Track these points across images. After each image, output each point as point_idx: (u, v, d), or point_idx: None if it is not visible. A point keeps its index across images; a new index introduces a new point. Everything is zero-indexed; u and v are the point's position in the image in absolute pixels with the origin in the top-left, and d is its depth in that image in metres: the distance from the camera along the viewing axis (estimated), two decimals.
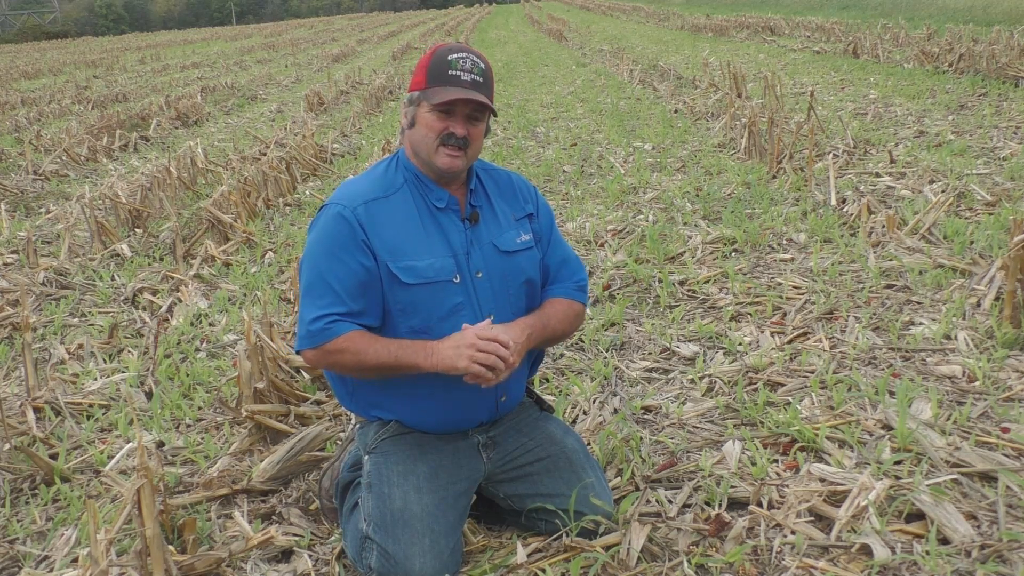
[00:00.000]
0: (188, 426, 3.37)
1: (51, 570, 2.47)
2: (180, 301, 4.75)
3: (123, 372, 3.86)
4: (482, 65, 2.23)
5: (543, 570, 2.26)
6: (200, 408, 3.50)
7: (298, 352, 2.26)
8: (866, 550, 2.22)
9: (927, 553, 2.16)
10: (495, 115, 2.30)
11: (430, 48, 2.32)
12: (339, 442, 2.88)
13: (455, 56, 2.21)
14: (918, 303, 3.86)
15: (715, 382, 3.33)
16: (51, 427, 3.38)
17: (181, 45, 39.36)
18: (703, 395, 3.25)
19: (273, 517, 2.66)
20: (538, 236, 2.40)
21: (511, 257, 2.32)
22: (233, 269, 5.29)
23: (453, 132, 2.20)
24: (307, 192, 7.17)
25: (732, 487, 2.56)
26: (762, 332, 3.74)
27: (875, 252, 4.49)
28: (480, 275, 2.27)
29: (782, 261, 4.61)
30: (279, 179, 7.03)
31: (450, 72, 2.19)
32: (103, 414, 3.47)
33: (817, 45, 15.53)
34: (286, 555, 2.46)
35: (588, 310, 4.14)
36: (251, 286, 4.94)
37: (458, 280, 2.23)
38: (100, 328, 4.47)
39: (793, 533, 2.33)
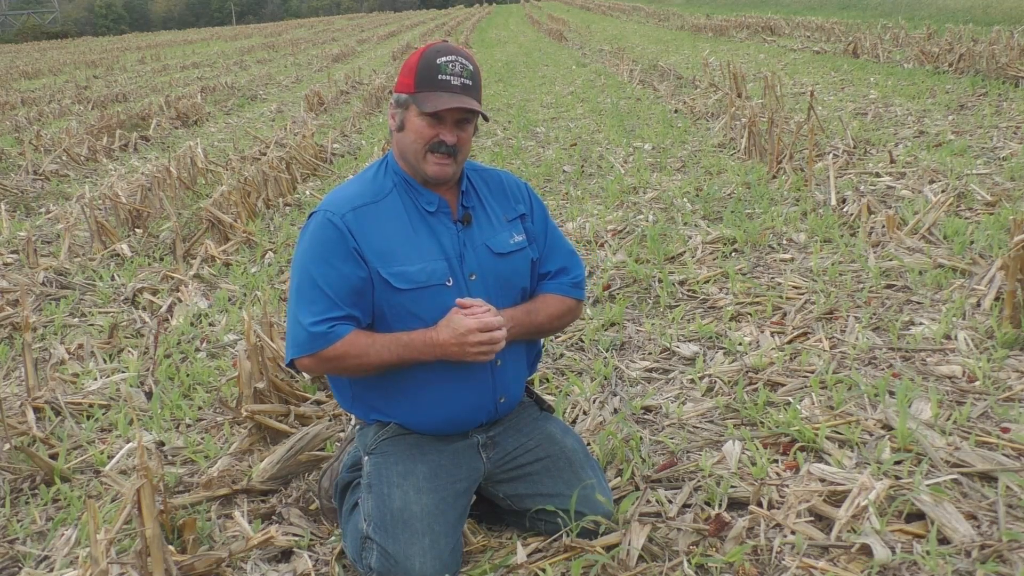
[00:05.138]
0: (188, 426, 3.37)
1: (51, 570, 2.47)
2: (180, 301, 4.75)
3: (123, 372, 3.86)
4: (471, 67, 2.21)
5: (543, 570, 2.26)
6: (200, 408, 3.50)
7: (290, 363, 2.20)
8: (866, 550, 2.22)
9: (927, 553, 2.16)
10: (486, 119, 2.29)
11: (418, 48, 2.30)
12: (339, 442, 2.88)
13: (444, 60, 2.18)
14: (918, 303, 3.86)
15: (715, 382, 3.33)
16: (51, 427, 3.38)
17: (181, 45, 39.36)
18: (703, 395, 3.25)
19: (273, 517, 2.66)
20: (532, 236, 2.40)
21: (505, 259, 2.31)
22: (233, 269, 5.29)
23: (443, 140, 2.19)
24: (307, 192, 7.17)
25: (732, 487, 2.56)
26: (762, 332, 3.74)
27: (875, 252, 4.49)
28: (474, 277, 2.26)
29: (782, 261, 4.61)
30: (279, 179, 7.04)
31: (440, 77, 2.17)
32: (103, 414, 3.47)
33: (817, 45, 15.53)
34: (286, 555, 2.46)
35: (588, 310, 4.14)
36: (251, 286, 4.94)
37: (451, 283, 2.22)
38: (100, 328, 4.47)
39: (793, 533, 2.33)
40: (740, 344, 3.62)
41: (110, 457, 3.10)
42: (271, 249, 5.62)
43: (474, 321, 2.12)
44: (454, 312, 2.16)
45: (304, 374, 3.52)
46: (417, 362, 2.18)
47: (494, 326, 2.13)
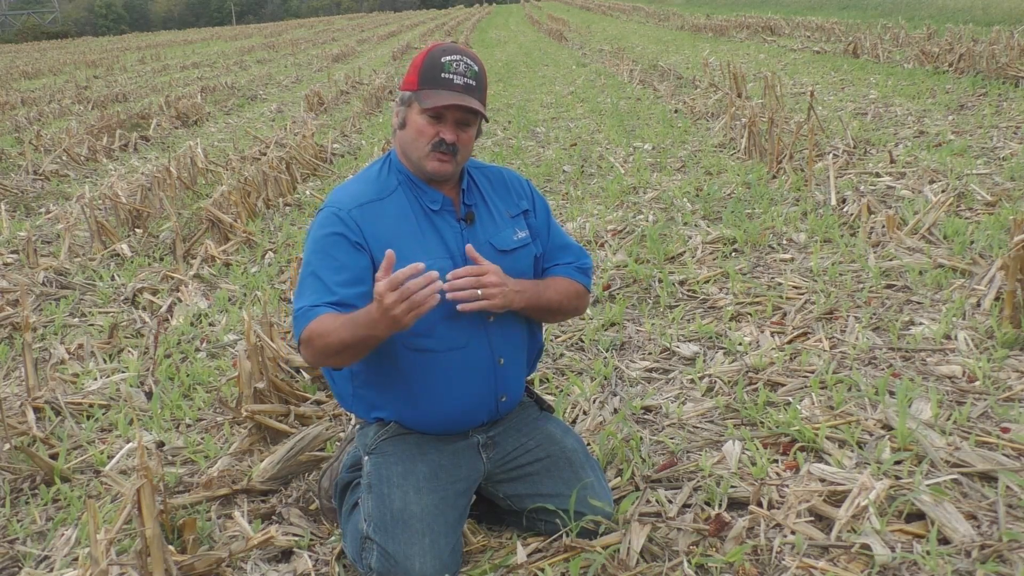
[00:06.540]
0: (188, 426, 3.37)
1: (51, 570, 2.47)
2: (180, 301, 4.75)
3: (123, 372, 3.86)
4: (475, 68, 2.21)
5: (543, 570, 2.26)
6: (200, 408, 3.50)
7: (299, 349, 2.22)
8: (866, 550, 2.22)
9: (927, 553, 2.16)
10: (487, 120, 2.29)
11: (424, 47, 2.31)
12: (339, 442, 2.88)
13: (448, 58, 2.19)
14: (918, 303, 3.86)
15: (715, 382, 3.33)
16: (51, 427, 3.38)
17: (181, 45, 39.35)
18: (703, 395, 3.25)
19: (273, 517, 2.66)
20: (535, 232, 2.40)
21: (509, 255, 2.31)
22: (233, 269, 5.29)
23: (443, 138, 2.19)
24: (307, 192, 7.17)
25: (732, 487, 2.56)
26: (762, 332, 3.74)
27: (875, 252, 4.49)
28: None
29: (782, 261, 4.61)
30: (279, 179, 7.04)
31: (443, 75, 2.17)
32: (103, 414, 3.47)
33: (817, 45, 15.53)
34: (286, 555, 2.46)
35: (588, 310, 4.13)
36: (251, 286, 4.94)
37: None
38: (100, 328, 4.47)
39: (793, 533, 2.33)
40: (740, 344, 3.62)
41: (110, 457, 3.10)
42: (271, 249, 5.62)
43: (382, 283, 1.92)
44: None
45: (306, 370, 3.53)
46: (372, 339, 2.04)
47: (399, 280, 1.90)
